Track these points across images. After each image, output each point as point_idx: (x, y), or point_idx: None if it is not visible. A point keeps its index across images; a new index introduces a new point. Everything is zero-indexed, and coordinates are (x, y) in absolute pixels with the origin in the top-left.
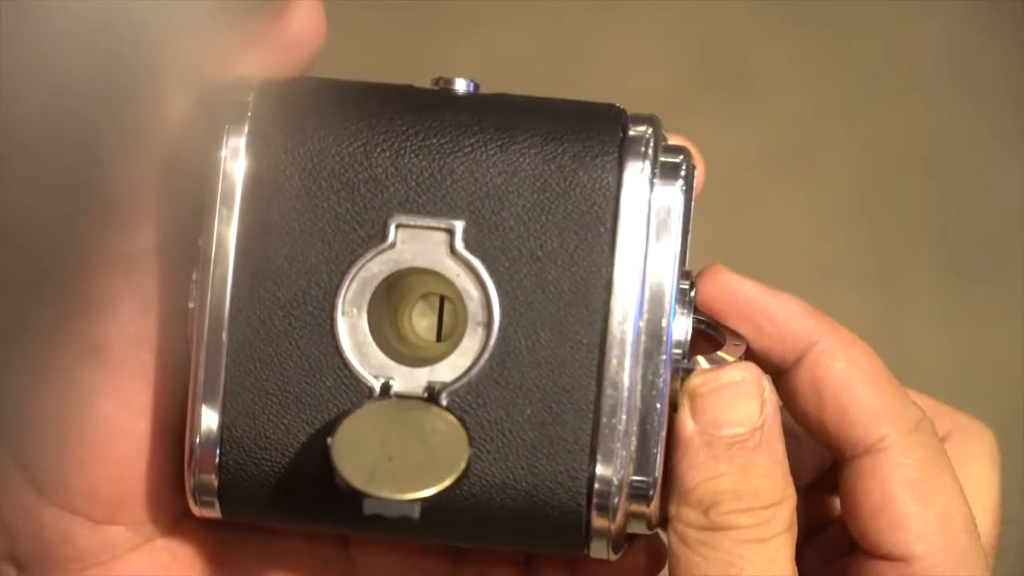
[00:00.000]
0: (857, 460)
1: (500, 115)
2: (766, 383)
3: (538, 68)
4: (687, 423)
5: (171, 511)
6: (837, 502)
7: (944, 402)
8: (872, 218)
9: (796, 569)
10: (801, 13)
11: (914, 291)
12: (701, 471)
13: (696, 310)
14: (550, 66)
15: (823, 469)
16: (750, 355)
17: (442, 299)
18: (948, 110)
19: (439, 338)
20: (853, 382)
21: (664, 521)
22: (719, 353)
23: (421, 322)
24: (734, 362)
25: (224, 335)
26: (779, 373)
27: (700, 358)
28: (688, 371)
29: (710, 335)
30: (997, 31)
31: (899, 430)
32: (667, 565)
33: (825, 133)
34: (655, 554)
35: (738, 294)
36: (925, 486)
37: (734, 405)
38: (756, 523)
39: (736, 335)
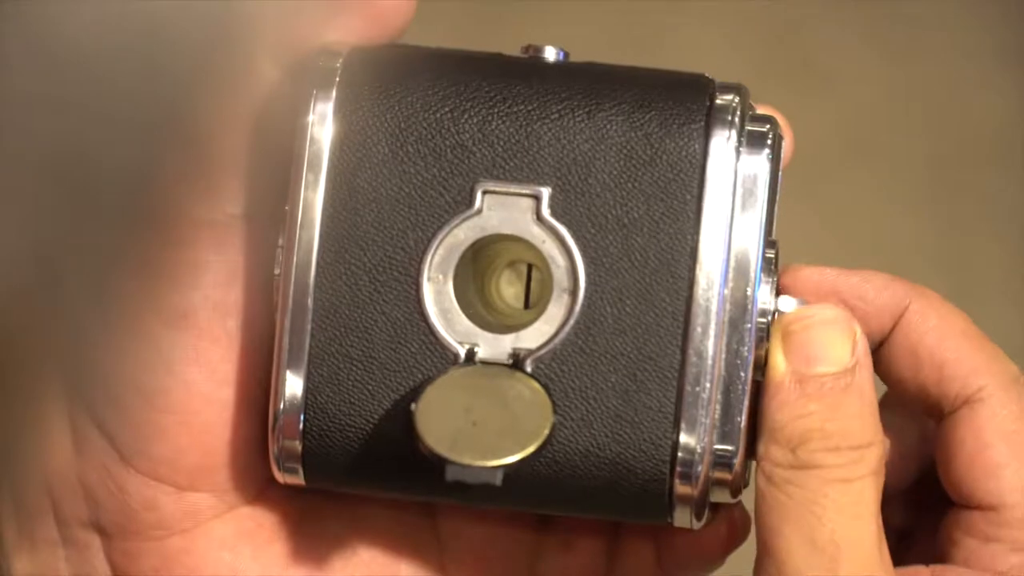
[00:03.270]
0: (955, 413)
1: (587, 82)
2: (857, 326)
3: (611, 58)
4: (779, 362)
5: (255, 479)
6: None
7: None
8: (942, 204)
9: (880, 514)
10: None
11: (984, 277)
12: (791, 409)
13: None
14: (622, 56)
15: (910, 479)
16: None
17: (530, 267)
18: (1016, 90)
19: (527, 306)
20: (948, 337)
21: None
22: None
23: (508, 290)
24: (819, 304)
25: (309, 301)
26: (877, 346)
27: (786, 297)
28: (775, 313)
29: None
30: None
31: (997, 382)
32: (755, 507)
33: (895, 119)
34: (738, 524)
35: (822, 282)
36: (1022, 437)
37: (826, 343)
38: (843, 463)
39: None
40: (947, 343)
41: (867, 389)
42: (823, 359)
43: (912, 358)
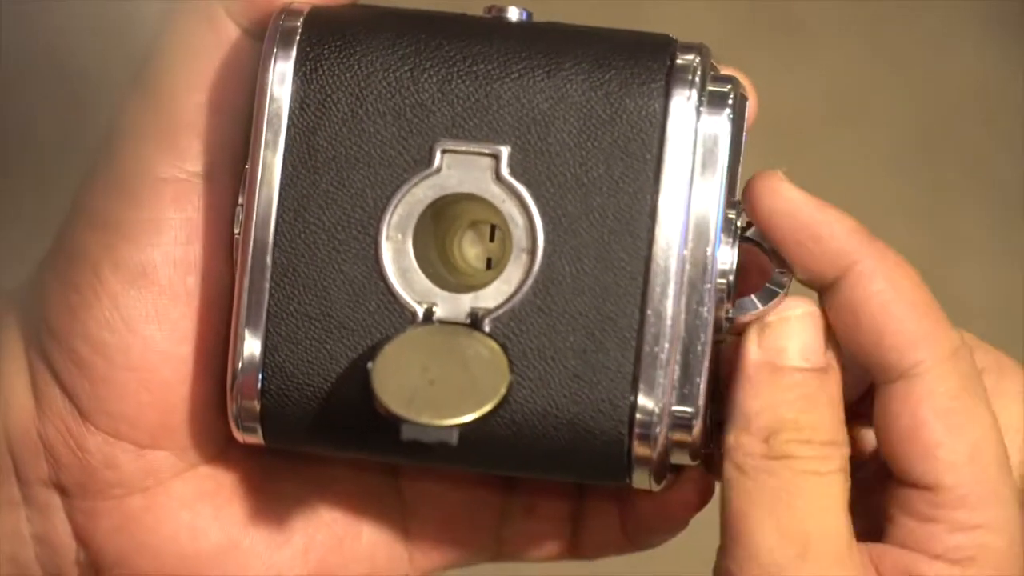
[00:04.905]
0: (891, 385)
1: (548, 42)
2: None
3: (589, 14)
4: (752, 351)
5: (217, 438)
6: (872, 436)
7: (991, 340)
8: (924, 161)
9: (849, 512)
10: None
11: (966, 234)
12: (764, 398)
13: (747, 229)
14: (599, 16)
15: (861, 392)
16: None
17: (492, 228)
18: (1000, 53)
19: (489, 266)
20: (891, 305)
21: (707, 455)
22: (767, 285)
23: (471, 250)
24: (796, 298)
25: (268, 259)
26: (820, 291)
27: (752, 298)
28: (734, 317)
29: (762, 251)
30: None
31: (935, 356)
32: (721, 495)
33: (877, 78)
34: (701, 487)
35: (787, 204)
36: (958, 415)
37: (802, 337)
38: (815, 456)
39: (783, 263)
40: (889, 309)
41: (836, 393)
42: (798, 352)
43: (852, 318)
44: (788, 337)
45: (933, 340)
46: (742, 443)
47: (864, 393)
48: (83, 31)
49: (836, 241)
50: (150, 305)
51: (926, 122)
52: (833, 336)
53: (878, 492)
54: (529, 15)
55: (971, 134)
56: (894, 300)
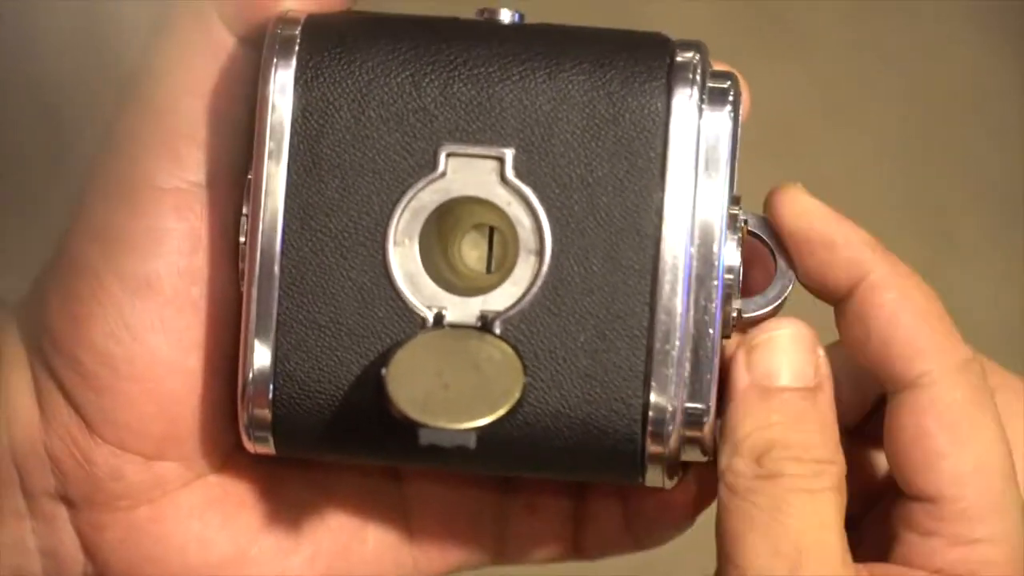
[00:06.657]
0: (898, 395)
1: (547, 43)
2: (820, 349)
3: (579, 13)
4: (741, 375)
5: (223, 447)
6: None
7: (990, 347)
8: (918, 162)
9: (844, 529)
10: None
11: (959, 235)
12: (754, 420)
13: (751, 232)
14: (591, 13)
15: (864, 412)
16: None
17: (491, 230)
18: (996, 54)
19: (489, 269)
20: (900, 315)
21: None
22: (774, 282)
23: (471, 253)
24: (783, 318)
25: (276, 268)
26: (835, 303)
27: (758, 298)
28: (740, 314)
29: (765, 247)
30: None
31: (943, 367)
32: (716, 518)
33: (871, 77)
34: (708, 484)
35: (804, 213)
36: (963, 427)
37: (789, 358)
38: (805, 474)
39: (788, 261)
40: (898, 320)
41: (828, 411)
42: (786, 374)
43: (862, 328)
44: (775, 358)
45: (941, 351)
46: (734, 465)
47: (872, 411)
48: (61, 44)
49: (850, 250)
50: (155, 315)
51: (920, 121)
52: (825, 355)
53: (886, 503)
54: (521, 16)
55: (964, 133)
56: (904, 310)
